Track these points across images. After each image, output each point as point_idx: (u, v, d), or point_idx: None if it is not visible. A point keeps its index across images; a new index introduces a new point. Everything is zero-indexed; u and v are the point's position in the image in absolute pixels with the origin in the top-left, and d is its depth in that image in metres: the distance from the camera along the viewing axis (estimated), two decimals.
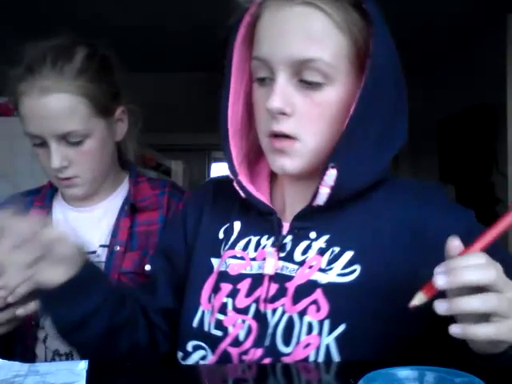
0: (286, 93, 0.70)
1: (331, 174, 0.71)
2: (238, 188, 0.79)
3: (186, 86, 4.10)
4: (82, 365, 0.68)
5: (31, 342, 1.06)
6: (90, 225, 1.12)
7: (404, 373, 0.55)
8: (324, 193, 0.72)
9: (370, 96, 0.70)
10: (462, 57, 3.64)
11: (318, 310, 0.71)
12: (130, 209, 1.11)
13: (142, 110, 1.14)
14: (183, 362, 0.78)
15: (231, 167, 0.80)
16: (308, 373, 0.69)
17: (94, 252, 1.09)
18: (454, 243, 0.57)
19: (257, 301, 0.75)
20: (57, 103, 0.98)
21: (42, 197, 1.15)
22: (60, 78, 0.98)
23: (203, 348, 0.76)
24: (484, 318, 0.54)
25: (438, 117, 3.89)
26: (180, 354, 0.79)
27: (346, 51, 0.71)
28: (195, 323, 0.78)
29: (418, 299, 0.56)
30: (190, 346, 0.78)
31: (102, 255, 1.08)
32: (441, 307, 0.53)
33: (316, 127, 0.72)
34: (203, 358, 0.76)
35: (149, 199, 1.13)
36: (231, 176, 0.80)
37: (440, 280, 0.53)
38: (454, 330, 0.53)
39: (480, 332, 0.53)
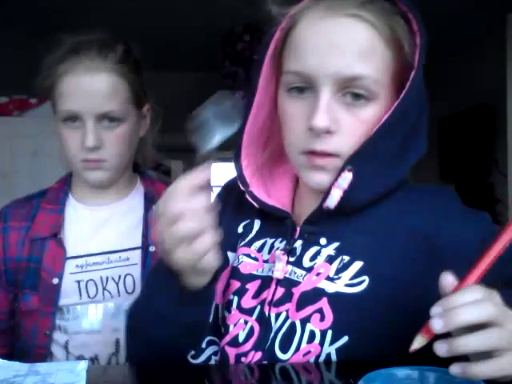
0: (331, 109, 0.67)
1: (346, 177, 0.69)
2: (250, 199, 0.79)
3: (186, 86, 4.09)
4: (82, 365, 0.67)
5: (41, 352, 1.04)
6: (105, 225, 1.10)
7: (404, 373, 0.55)
8: (336, 195, 0.70)
9: (403, 109, 0.69)
10: (462, 57, 3.64)
11: (322, 319, 0.69)
12: None
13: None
14: (193, 361, 0.77)
15: (241, 178, 0.79)
16: (308, 373, 0.69)
17: (117, 251, 1.08)
18: (448, 280, 0.55)
19: (262, 303, 0.74)
20: (101, 82, 1.02)
21: (49, 199, 1.11)
22: (104, 61, 1.03)
23: (216, 343, 0.76)
24: (486, 352, 0.51)
25: (438, 117, 3.89)
26: (192, 352, 0.78)
27: (390, 65, 0.69)
28: (211, 318, 0.77)
29: (418, 342, 0.54)
30: (204, 342, 0.77)
31: (134, 257, 1.07)
32: (441, 349, 0.51)
33: (357, 143, 0.69)
34: (216, 353, 0.76)
35: None
36: (242, 187, 0.79)
37: (437, 324, 0.51)
38: (454, 370, 0.51)
39: (481, 371, 0.50)
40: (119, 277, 1.06)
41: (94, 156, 1.03)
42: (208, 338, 0.77)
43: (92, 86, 1.01)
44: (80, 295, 1.05)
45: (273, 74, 0.76)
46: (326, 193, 0.71)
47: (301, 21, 0.70)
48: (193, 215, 0.62)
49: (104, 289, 1.06)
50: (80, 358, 1.04)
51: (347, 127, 0.69)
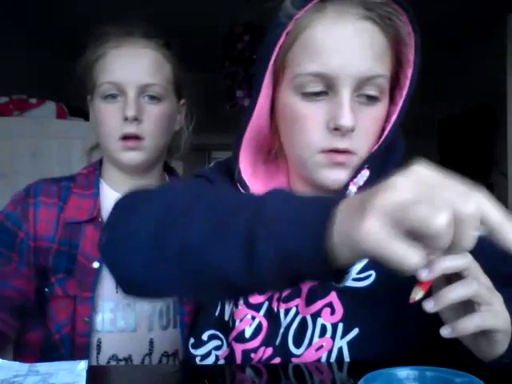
0: (352, 109, 0.70)
1: (364, 175, 0.72)
2: None
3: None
4: (82, 365, 0.68)
5: (81, 340, 0.99)
6: None
7: (404, 373, 0.55)
8: (353, 191, 0.72)
9: (407, 108, 0.73)
10: (462, 57, 3.64)
11: (333, 312, 0.71)
12: None
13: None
14: (193, 350, 0.78)
15: (240, 181, 0.78)
16: (308, 373, 0.69)
17: None
18: None
19: (270, 299, 0.75)
20: (147, 56, 1.06)
21: (80, 183, 1.08)
22: (150, 41, 1.08)
23: (219, 338, 0.77)
24: (468, 312, 0.54)
25: (438, 117, 3.89)
26: (192, 341, 0.79)
27: (392, 66, 0.73)
28: (217, 312, 0.79)
29: (416, 294, 0.54)
30: (205, 335, 0.78)
31: None
32: (428, 304, 0.53)
33: (370, 142, 0.73)
34: (218, 348, 0.76)
35: None
36: (242, 190, 0.78)
37: (422, 272, 0.51)
38: (445, 331, 0.54)
39: (467, 324, 0.53)
40: None
41: (133, 129, 1.02)
42: (211, 331, 0.78)
43: (137, 58, 1.05)
44: (116, 287, 1.00)
45: (271, 77, 0.76)
46: (343, 189, 0.72)
47: (312, 24, 0.70)
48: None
49: None
50: (113, 358, 1.00)
51: (363, 125, 0.71)
